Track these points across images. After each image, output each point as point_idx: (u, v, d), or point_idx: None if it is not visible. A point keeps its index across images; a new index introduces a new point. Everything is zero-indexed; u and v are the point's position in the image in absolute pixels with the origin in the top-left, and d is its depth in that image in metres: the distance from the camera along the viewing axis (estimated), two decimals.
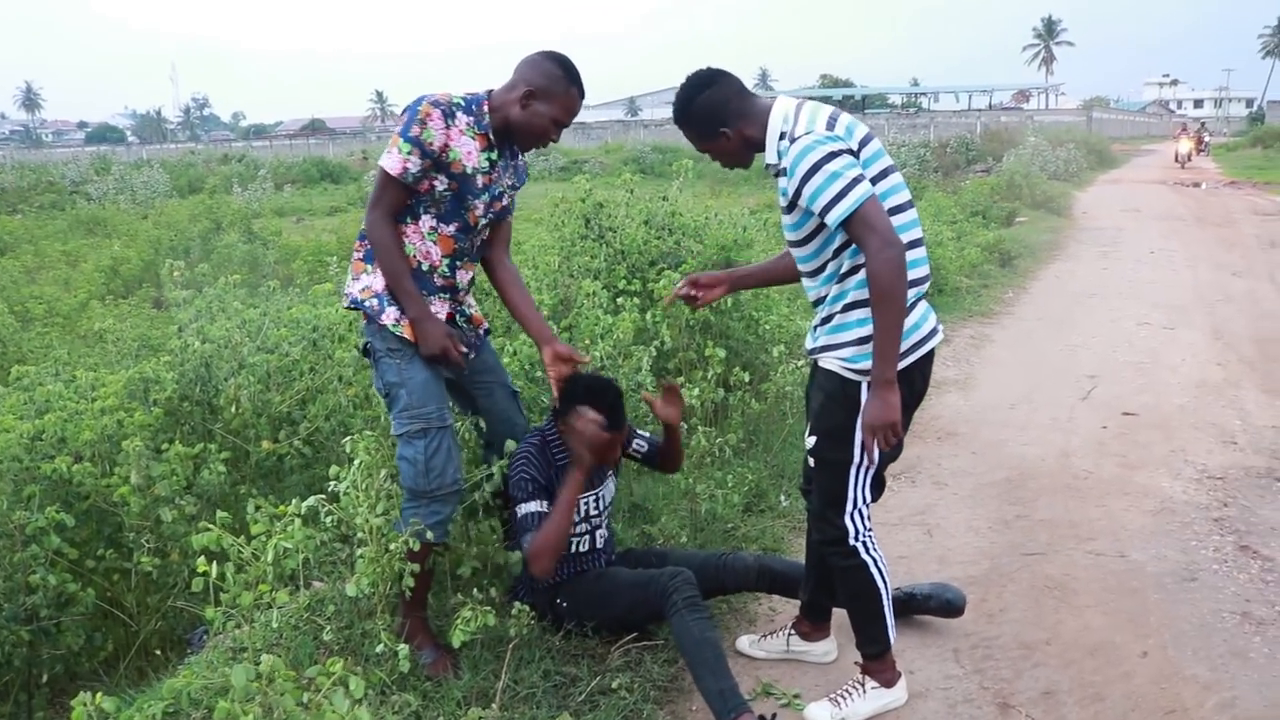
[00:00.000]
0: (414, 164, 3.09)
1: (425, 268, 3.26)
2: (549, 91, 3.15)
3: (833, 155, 2.74)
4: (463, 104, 3.16)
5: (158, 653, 3.97)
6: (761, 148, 2.94)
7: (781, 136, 2.87)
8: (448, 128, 3.11)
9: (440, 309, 3.30)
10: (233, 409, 4.33)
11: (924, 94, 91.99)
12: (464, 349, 3.33)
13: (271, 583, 2.97)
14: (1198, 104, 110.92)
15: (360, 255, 3.30)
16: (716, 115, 2.93)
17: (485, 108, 3.18)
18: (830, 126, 2.82)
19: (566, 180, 20.64)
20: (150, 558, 3.77)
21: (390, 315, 3.20)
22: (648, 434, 3.74)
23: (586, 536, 3.51)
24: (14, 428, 4.10)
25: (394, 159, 3.10)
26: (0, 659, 3.64)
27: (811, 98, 3.11)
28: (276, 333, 4.75)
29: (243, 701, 2.32)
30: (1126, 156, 39.95)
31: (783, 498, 4.81)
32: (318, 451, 4.46)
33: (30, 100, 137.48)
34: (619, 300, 5.22)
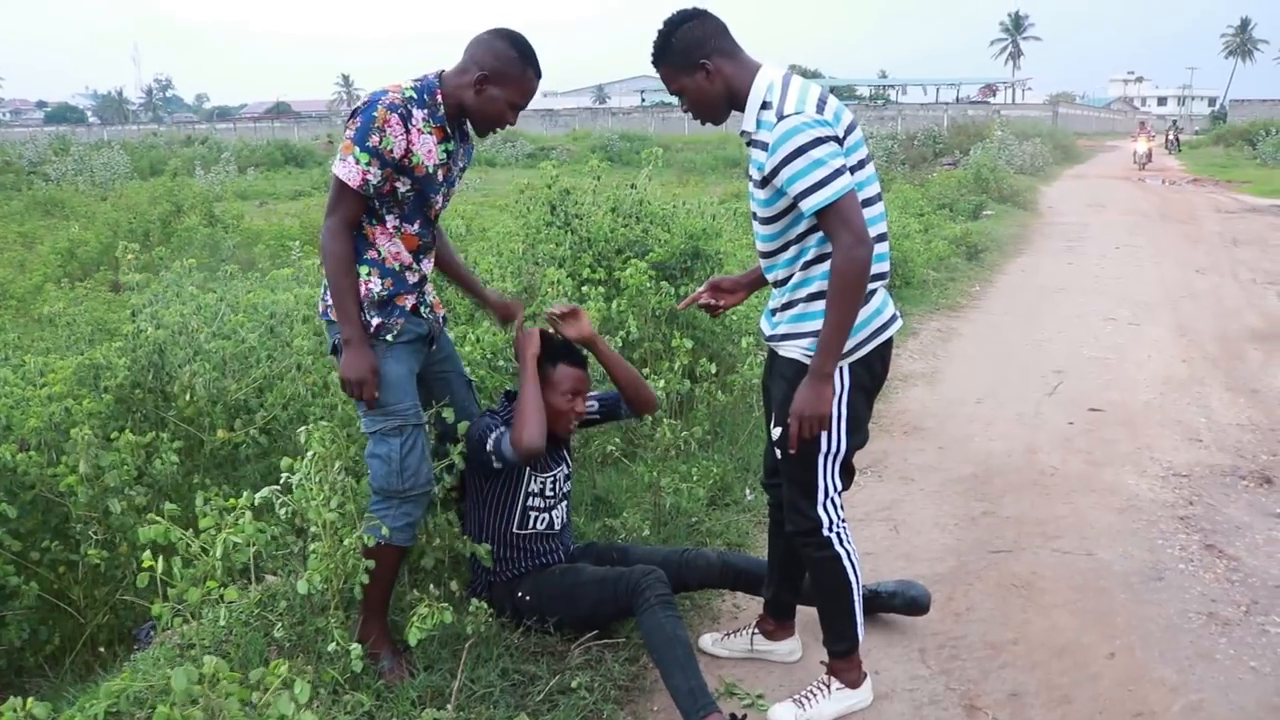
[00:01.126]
0: (374, 174, 2.97)
1: (398, 268, 3.16)
2: (504, 74, 3.02)
3: (819, 141, 2.66)
4: (415, 96, 3.02)
5: (104, 648, 3.86)
6: (739, 105, 2.84)
7: (765, 106, 2.77)
8: (407, 131, 2.98)
9: (410, 300, 3.20)
10: (186, 397, 4.20)
11: (892, 86, 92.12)
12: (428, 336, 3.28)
13: (220, 578, 2.86)
14: (1161, 101, 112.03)
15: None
16: (698, 46, 2.81)
17: (438, 96, 3.06)
18: (820, 109, 2.74)
19: (533, 167, 20.48)
20: (97, 550, 3.65)
21: (370, 323, 3.11)
22: (595, 393, 3.66)
23: (544, 514, 3.45)
24: None
25: (352, 170, 2.96)
26: None
27: None
28: (234, 318, 4.63)
29: (184, 705, 2.22)
30: (1091, 152, 40.26)
31: (748, 492, 4.74)
32: (274, 441, 4.34)
33: None
34: (584, 289, 5.13)
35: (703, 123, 3.00)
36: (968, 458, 5.42)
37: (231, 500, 2.99)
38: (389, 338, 3.14)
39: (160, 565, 2.79)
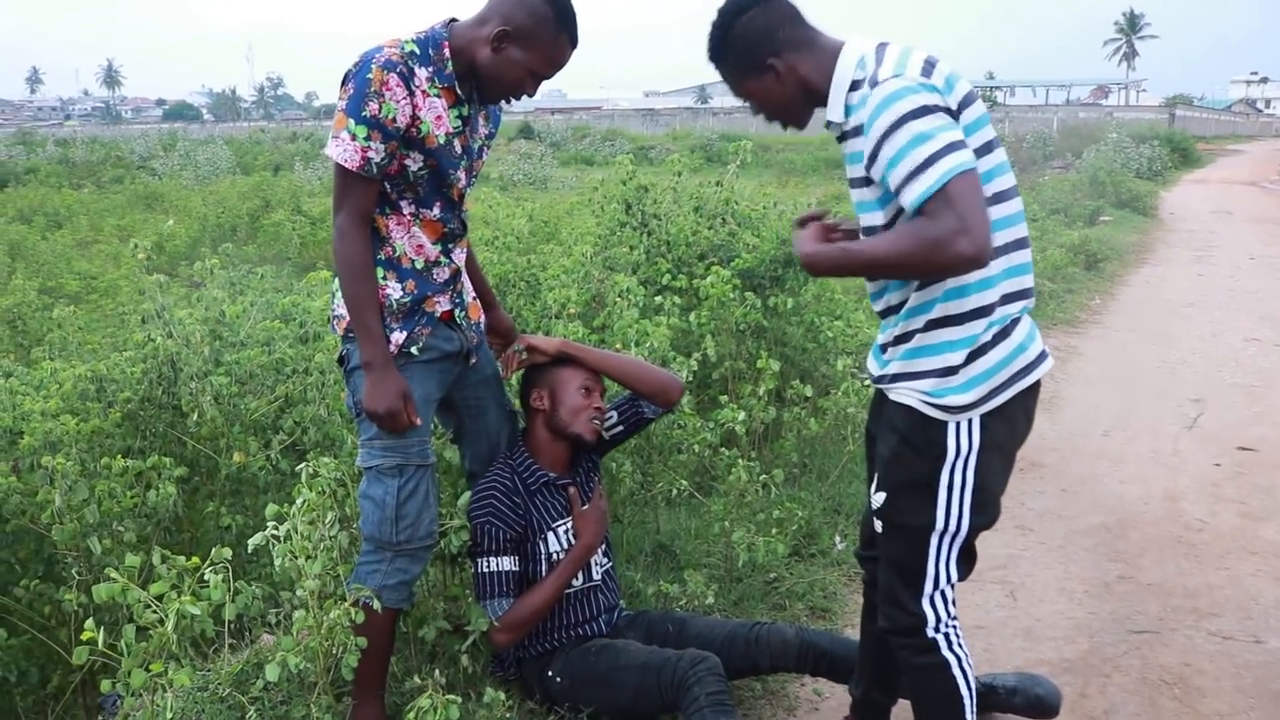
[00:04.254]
0: (376, 150, 2.39)
1: (421, 265, 2.59)
2: (532, 34, 2.42)
3: (926, 110, 1.98)
4: (417, 52, 2.43)
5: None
6: (822, 100, 2.20)
7: (854, 86, 2.13)
8: (410, 94, 2.39)
9: (442, 304, 2.63)
10: (195, 416, 3.72)
11: (999, 87, 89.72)
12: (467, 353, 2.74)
13: (177, 651, 2.34)
14: None
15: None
16: (763, 42, 2.19)
17: (445, 51, 2.47)
18: (926, 73, 2.07)
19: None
20: (75, 593, 3.17)
21: (394, 340, 2.56)
22: (610, 404, 3.09)
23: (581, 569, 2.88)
24: None
25: (348, 148, 2.39)
26: None
27: None
28: (267, 324, 4.14)
29: None
30: (1212, 156, 38.18)
31: (837, 539, 4.09)
32: (299, 464, 3.83)
33: (111, 78, 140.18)
34: (659, 298, 4.52)
35: (784, 127, 2.37)
36: (1096, 504, 4.66)
37: (193, 560, 2.44)
38: (414, 350, 2.58)
39: (101, 637, 2.29)
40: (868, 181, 2.15)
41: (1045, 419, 5.92)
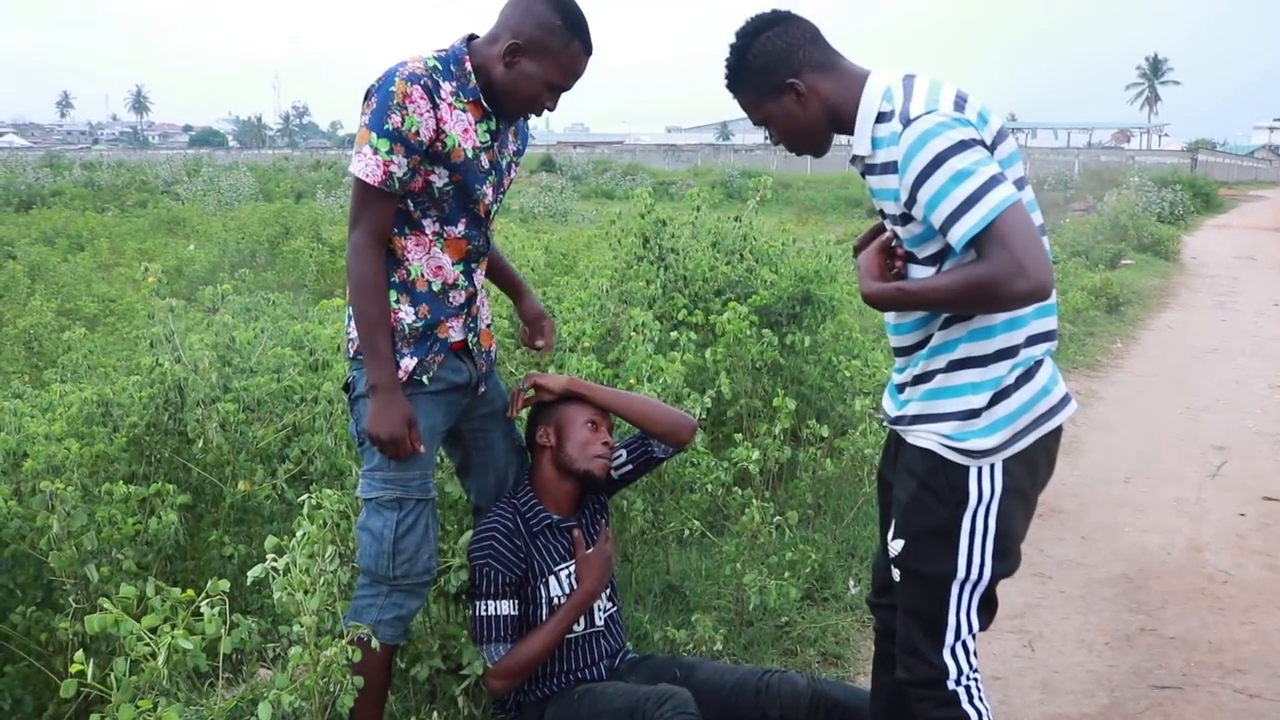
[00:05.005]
0: (398, 165, 2.35)
1: (438, 288, 2.53)
2: (542, 46, 2.39)
3: (962, 145, 1.93)
4: (440, 66, 2.41)
5: None
6: (845, 126, 2.15)
7: (882, 118, 2.07)
8: (435, 107, 2.36)
9: (456, 331, 2.58)
10: (200, 443, 3.67)
11: (1021, 129, 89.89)
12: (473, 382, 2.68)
13: (169, 686, 2.28)
14: None
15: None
16: (783, 61, 2.14)
17: (467, 65, 2.43)
18: (960, 107, 2.02)
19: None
20: (71, 622, 3.11)
21: (403, 368, 2.50)
22: (619, 443, 3.00)
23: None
24: None
25: (370, 163, 2.35)
26: None
27: None
28: (278, 351, 4.10)
29: None
30: (1234, 201, 38.02)
31: (851, 583, 3.99)
32: (307, 492, 3.77)
33: (140, 103, 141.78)
34: (675, 334, 4.46)
35: (799, 154, 2.30)
36: (1117, 553, 4.55)
37: (188, 592, 2.38)
38: (425, 380, 2.53)
39: (91, 670, 2.23)
40: (908, 218, 2.08)
41: (1066, 464, 5.82)
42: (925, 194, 1.95)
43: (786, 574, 3.50)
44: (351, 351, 2.58)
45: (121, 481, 3.34)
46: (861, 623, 3.75)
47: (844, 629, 3.68)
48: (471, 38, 2.51)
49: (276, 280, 13.11)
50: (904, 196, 2.02)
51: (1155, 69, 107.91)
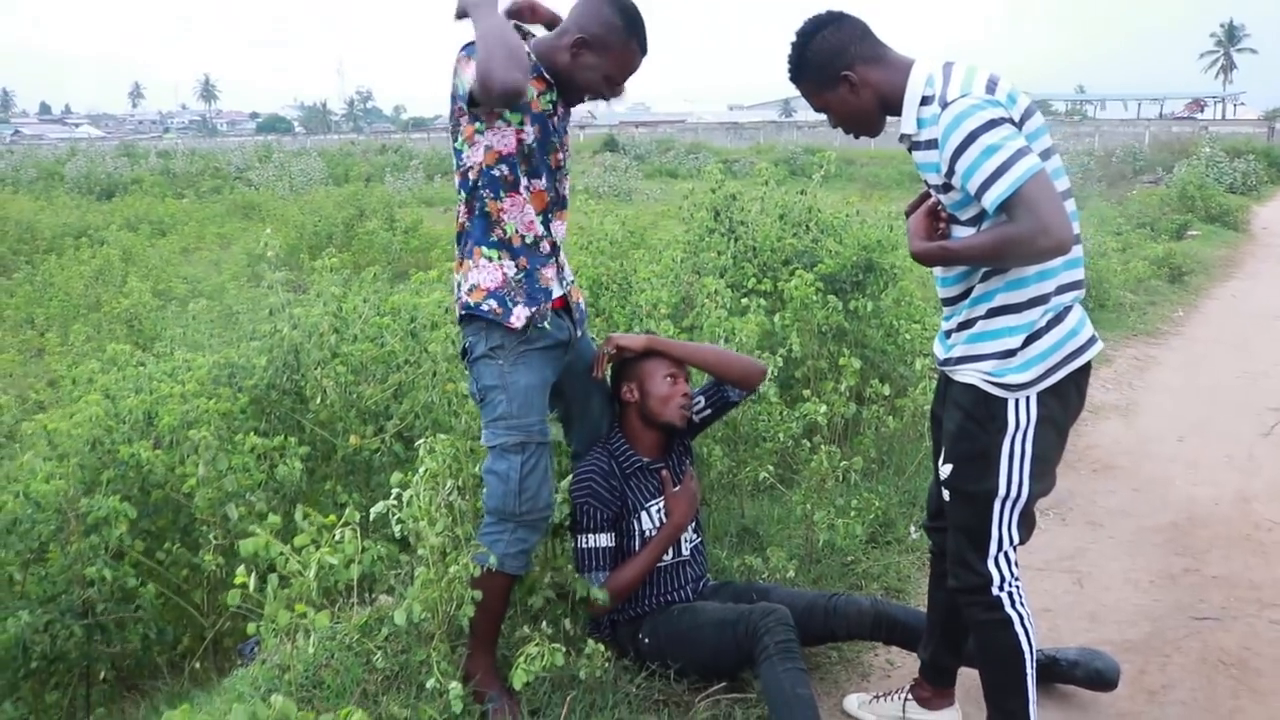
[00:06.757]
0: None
1: (530, 240, 2.85)
2: (604, 42, 2.74)
3: (992, 124, 2.27)
4: None
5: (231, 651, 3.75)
6: (895, 110, 2.48)
7: (925, 101, 2.41)
8: None
9: (553, 282, 2.90)
10: (318, 400, 4.06)
11: (1090, 101, 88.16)
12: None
13: (316, 599, 2.64)
14: None
15: (460, 254, 2.92)
16: (837, 56, 2.48)
17: (527, 47, 2.77)
18: (990, 90, 2.35)
19: None
20: (214, 555, 3.52)
21: (519, 315, 2.81)
22: (697, 389, 3.32)
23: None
24: (98, 407, 3.94)
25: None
26: (53, 653, 3.45)
27: None
28: (378, 320, 4.48)
29: None
30: None
31: (912, 529, 4.29)
32: (411, 449, 4.15)
33: (208, 91, 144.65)
34: (745, 300, 4.79)
35: (856, 136, 2.68)
36: (1167, 503, 4.80)
37: (330, 517, 2.76)
38: (544, 326, 2.84)
39: (254, 582, 2.61)
40: (949, 187, 2.41)
41: (1120, 423, 6.06)
42: (962, 165, 2.29)
43: (853, 514, 3.82)
44: (471, 301, 2.85)
45: (251, 434, 3.74)
46: (921, 563, 4.03)
47: (905, 568, 3.98)
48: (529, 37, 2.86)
49: (353, 261, 13.61)
50: (944, 168, 2.35)
51: (1231, 36, 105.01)
